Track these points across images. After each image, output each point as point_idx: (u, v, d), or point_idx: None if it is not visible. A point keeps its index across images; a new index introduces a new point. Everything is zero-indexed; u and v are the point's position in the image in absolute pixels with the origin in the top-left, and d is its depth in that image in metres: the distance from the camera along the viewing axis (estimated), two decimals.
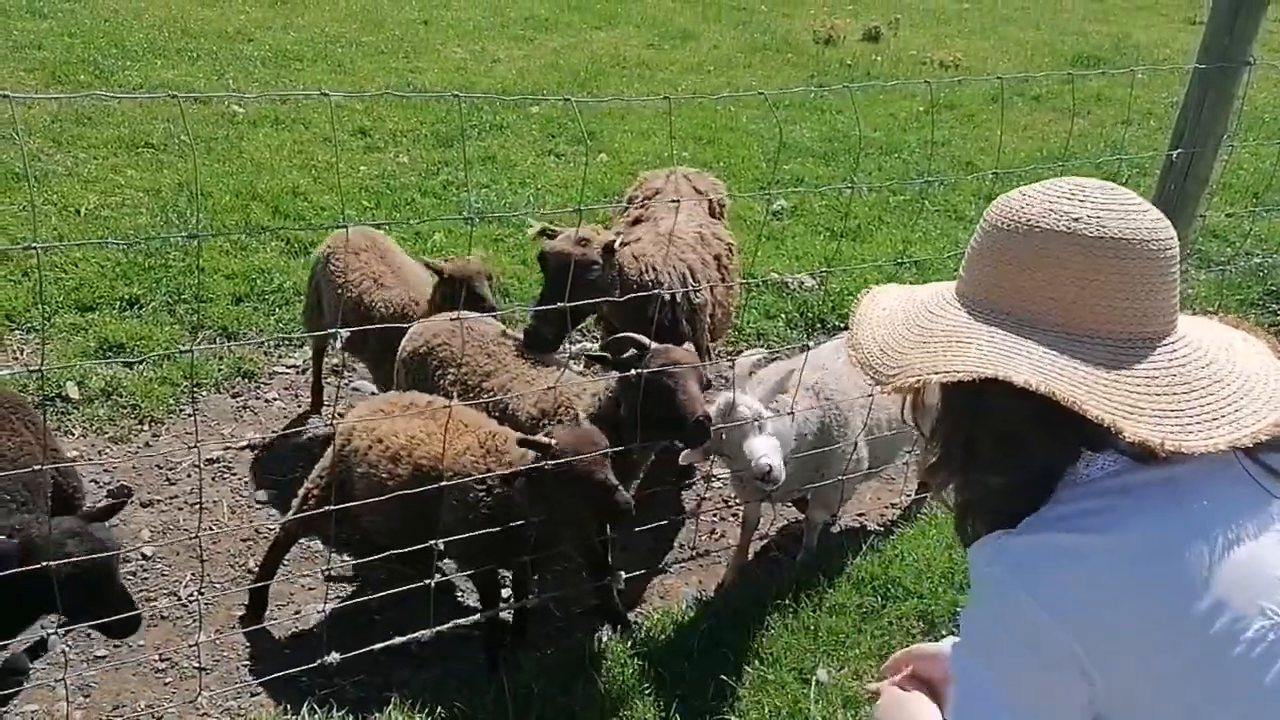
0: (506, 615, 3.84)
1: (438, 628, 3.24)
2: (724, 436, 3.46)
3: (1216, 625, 1.32)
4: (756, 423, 3.43)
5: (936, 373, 1.43)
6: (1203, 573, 1.33)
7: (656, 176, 5.21)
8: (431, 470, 3.36)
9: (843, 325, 6.00)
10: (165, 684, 3.54)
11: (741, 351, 5.82)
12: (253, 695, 3.54)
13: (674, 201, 4.37)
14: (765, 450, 3.36)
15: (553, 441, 3.15)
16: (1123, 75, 11.58)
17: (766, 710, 3.30)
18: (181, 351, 5.08)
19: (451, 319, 4.05)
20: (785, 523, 4.68)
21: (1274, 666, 1.31)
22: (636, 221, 4.81)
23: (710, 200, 5.04)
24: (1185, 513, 1.36)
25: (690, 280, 4.40)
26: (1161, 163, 3.80)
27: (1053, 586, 1.36)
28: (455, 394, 3.80)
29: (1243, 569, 1.33)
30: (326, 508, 3.20)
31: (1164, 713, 1.38)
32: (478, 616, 3.56)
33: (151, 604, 3.89)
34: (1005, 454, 1.47)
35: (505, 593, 3.91)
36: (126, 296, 5.91)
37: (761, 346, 6.02)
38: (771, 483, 3.33)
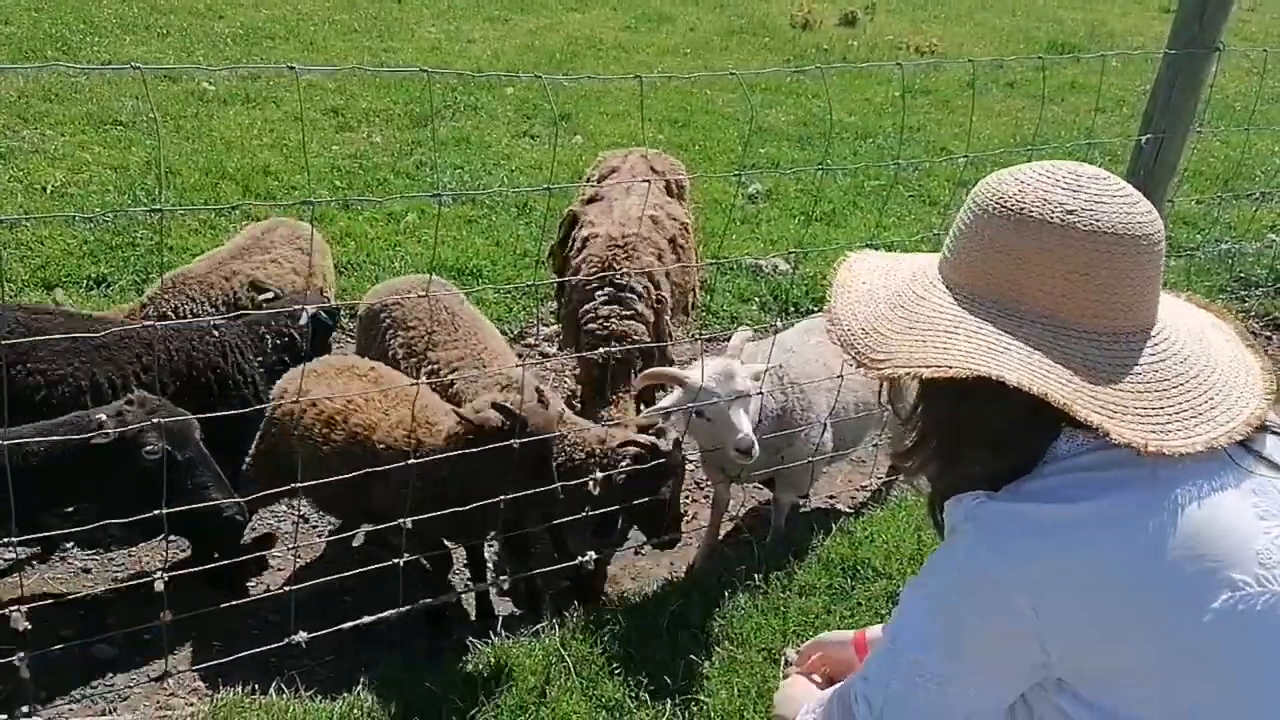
0: (469, 596, 3.84)
1: (406, 607, 3.22)
2: (713, 406, 3.46)
3: (1182, 596, 1.32)
4: (739, 398, 3.45)
5: (926, 367, 1.40)
6: (1170, 545, 1.33)
7: (614, 156, 5.19)
8: (365, 439, 3.37)
9: (815, 308, 6.02)
10: (133, 662, 3.51)
11: (714, 339, 5.83)
12: (220, 675, 3.51)
13: (643, 182, 4.39)
14: (747, 425, 3.41)
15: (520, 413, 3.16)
16: (1095, 62, 11.66)
17: (735, 690, 3.31)
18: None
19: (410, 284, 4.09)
20: (755, 504, 4.70)
21: (1244, 636, 1.32)
22: (591, 200, 4.80)
23: (668, 180, 5.01)
24: (1157, 487, 1.36)
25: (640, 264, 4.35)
26: (1132, 148, 3.83)
27: (1020, 555, 1.37)
28: (399, 356, 3.80)
29: (1213, 542, 1.33)
30: (277, 489, 3.20)
31: (1132, 684, 1.39)
32: (447, 597, 3.55)
33: (117, 583, 3.86)
34: (987, 446, 1.46)
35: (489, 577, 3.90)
36: (93, 275, 5.85)
37: (736, 329, 6.03)
38: (748, 457, 3.39)
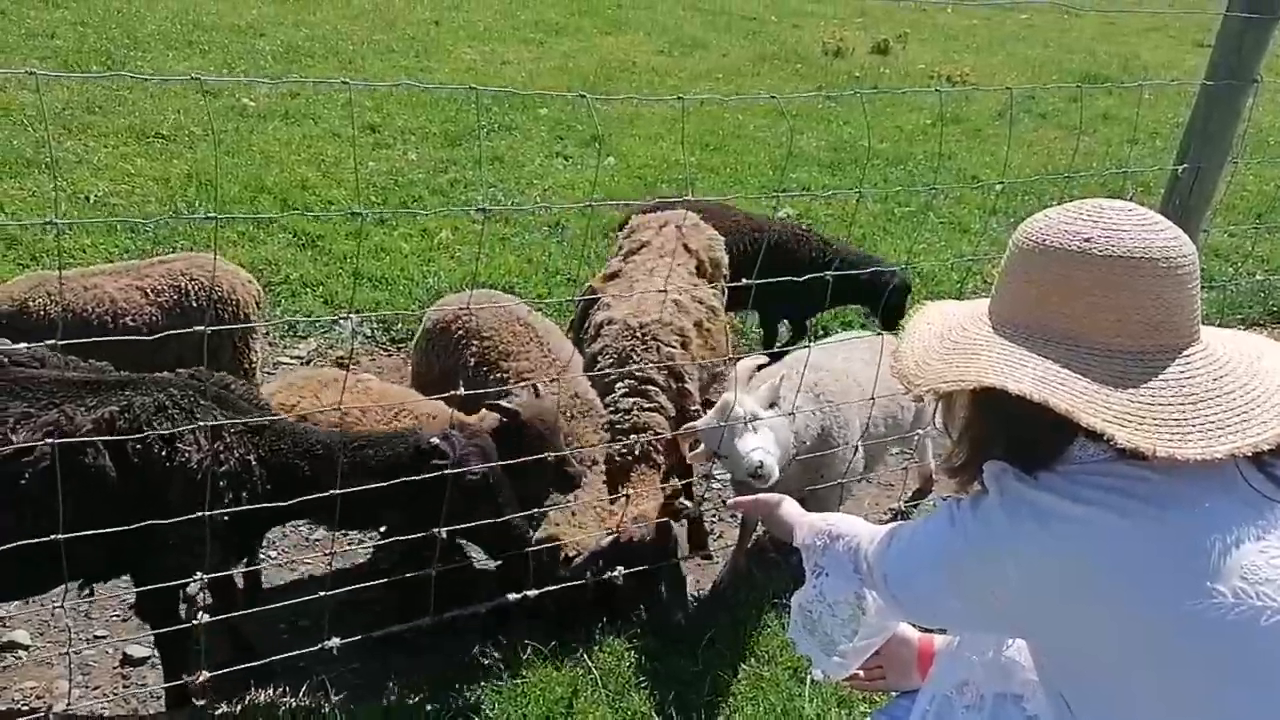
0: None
1: (437, 616, 3.26)
2: (721, 438, 3.48)
3: (1155, 600, 1.41)
4: (750, 423, 3.45)
5: (945, 381, 1.57)
6: (1157, 555, 1.42)
7: (647, 227, 4.87)
8: None
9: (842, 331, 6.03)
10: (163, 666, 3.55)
11: (744, 356, 5.85)
12: (252, 677, 3.55)
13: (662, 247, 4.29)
14: (755, 445, 3.39)
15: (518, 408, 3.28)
16: (1129, 94, 11.65)
17: (762, 707, 3.33)
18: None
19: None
20: None
21: (1206, 644, 1.39)
22: (613, 276, 4.61)
23: (701, 259, 4.78)
24: (1161, 500, 1.45)
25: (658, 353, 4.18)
26: (1166, 179, 3.84)
27: (1021, 532, 1.51)
28: (471, 365, 3.85)
29: (1201, 554, 1.40)
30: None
31: (1087, 674, 1.54)
32: (479, 607, 3.58)
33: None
34: (1014, 451, 1.58)
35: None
36: None
37: (764, 350, 6.05)
38: (762, 479, 3.35)
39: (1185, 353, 1.48)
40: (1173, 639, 1.40)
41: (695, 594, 4.17)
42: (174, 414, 2.86)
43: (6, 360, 2.87)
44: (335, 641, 3.19)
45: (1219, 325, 1.75)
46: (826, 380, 3.87)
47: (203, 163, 7.81)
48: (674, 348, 4.17)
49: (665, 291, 3.96)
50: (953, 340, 1.65)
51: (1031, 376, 1.47)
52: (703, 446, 3.61)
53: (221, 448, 2.93)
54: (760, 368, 3.86)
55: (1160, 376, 1.45)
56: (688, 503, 3.87)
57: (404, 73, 11.39)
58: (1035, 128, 11.41)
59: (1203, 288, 1.54)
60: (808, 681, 3.46)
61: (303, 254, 6.63)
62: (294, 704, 3.28)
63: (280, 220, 6.90)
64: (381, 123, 9.56)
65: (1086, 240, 1.49)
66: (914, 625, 2.17)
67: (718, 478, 4.84)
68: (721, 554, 4.42)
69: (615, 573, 3.54)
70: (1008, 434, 1.58)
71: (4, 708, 3.33)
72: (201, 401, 2.95)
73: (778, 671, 3.52)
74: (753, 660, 3.56)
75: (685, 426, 3.84)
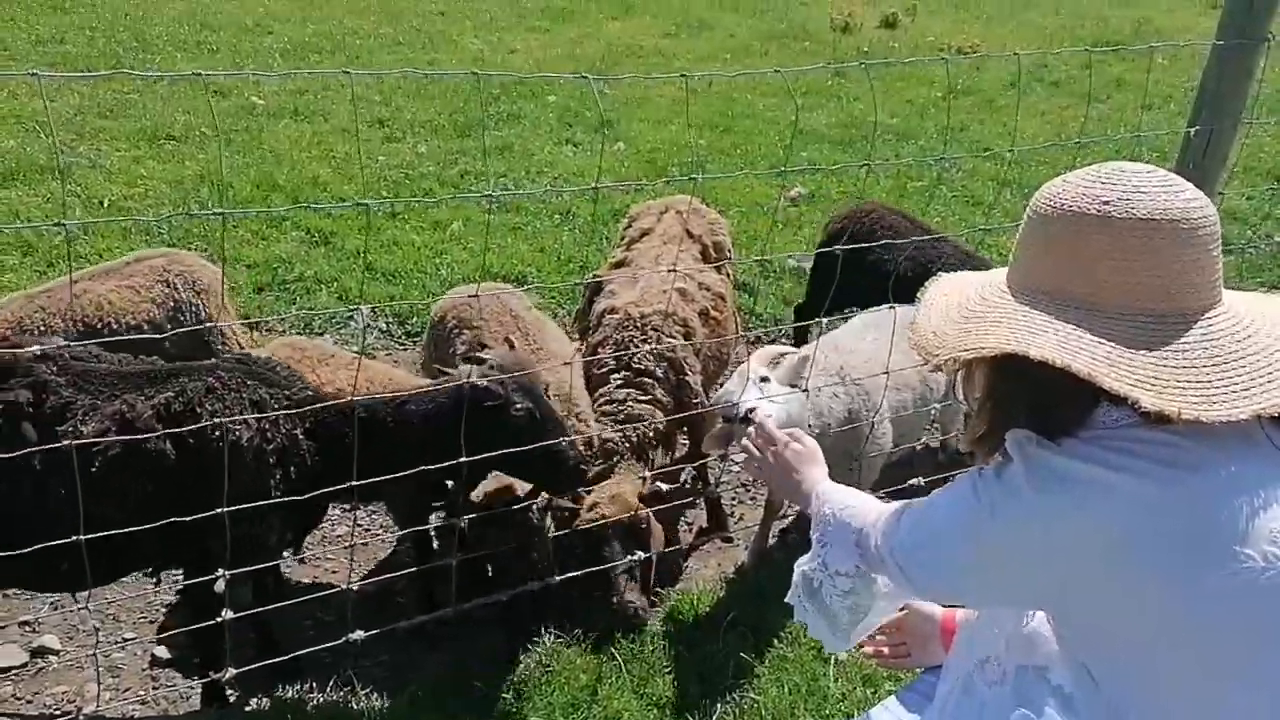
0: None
1: (459, 607, 3.27)
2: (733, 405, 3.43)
3: (1184, 566, 1.40)
4: (758, 384, 3.41)
5: (965, 349, 1.54)
6: (1184, 520, 1.41)
7: (648, 213, 4.83)
8: None
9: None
10: (194, 663, 3.59)
11: (760, 339, 5.84)
12: (278, 674, 3.58)
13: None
14: (738, 390, 3.35)
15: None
16: (1141, 60, 11.52)
17: (786, 687, 3.33)
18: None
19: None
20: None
21: (1237, 609, 1.39)
22: (619, 265, 4.57)
23: (705, 244, 4.71)
24: (1190, 465, 1.43)
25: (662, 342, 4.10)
26: (1180, 142, 3.80)
27: (1047, 500, 1.49)
28: (460, 355, 3.85)
29: (1229, 521, 1.39)
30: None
31: (1111, 647, 1.54)
32: (500, 596, 3.60)
33: (175, 584, 3.94)
34: (1037, 418, 1.55)
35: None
36: None
37: (779, 332, 6.03)
38: (745, 422, 3.26)
39: (1207, 315, 1.46)
40: (1202, 605, 1.39)
41: (717, 577, 4.17)
42: (224, 395, 2.94)
43: (68, 355, 2.97)
44: (359, 635, 3.21)
45: (1238, 289, 1.72)
46: (854, 361, 3.83)
47: (214, 163, 7.84)
48: (675, 339, 4.12)
49: (673, 270, 3.94)
50: (970, 309, 1.62)
51: (1053, 342, 1.45)
52: (719, 424, 3.58)
53: (269, 425, 2.98)
54: (782, 355, 3.83)
55: (1183, 339, 1.44)
56: (664, 485, 3.81)
57: (411, 65, 11.39)
58: (1047, 96, 11.30)
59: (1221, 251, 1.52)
60: (831, 662, 3.46)
61: (315, 251, 6.65)
62: (321, 699, 3.30)
63: (291, 217, 6.93)
64: (390, 117, 9.57)
65: (1105, 204, 1.47)
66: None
67: (735, 460, 4.83)
68: (742, 536, 4.43)
69: (634, 556, 3.55)
70: (1030, 401, 1.55)
71: (36, 713, 3.38)
72: (248, 382, 3.01)
73: (801, 652, 3.52)
74: (776, 642, 3.55)
75: (716, 395, 3.75)
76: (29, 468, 2.67)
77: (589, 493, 3.68)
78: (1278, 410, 1.40)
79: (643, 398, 4.01)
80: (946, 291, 1.74)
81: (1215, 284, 1.50)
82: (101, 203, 7.12)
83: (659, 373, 4.05)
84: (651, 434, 3.97)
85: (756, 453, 2.29)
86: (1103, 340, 1.44)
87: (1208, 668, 1.43)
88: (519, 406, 3.11)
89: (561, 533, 3.66)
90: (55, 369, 2.88)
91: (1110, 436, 1.49)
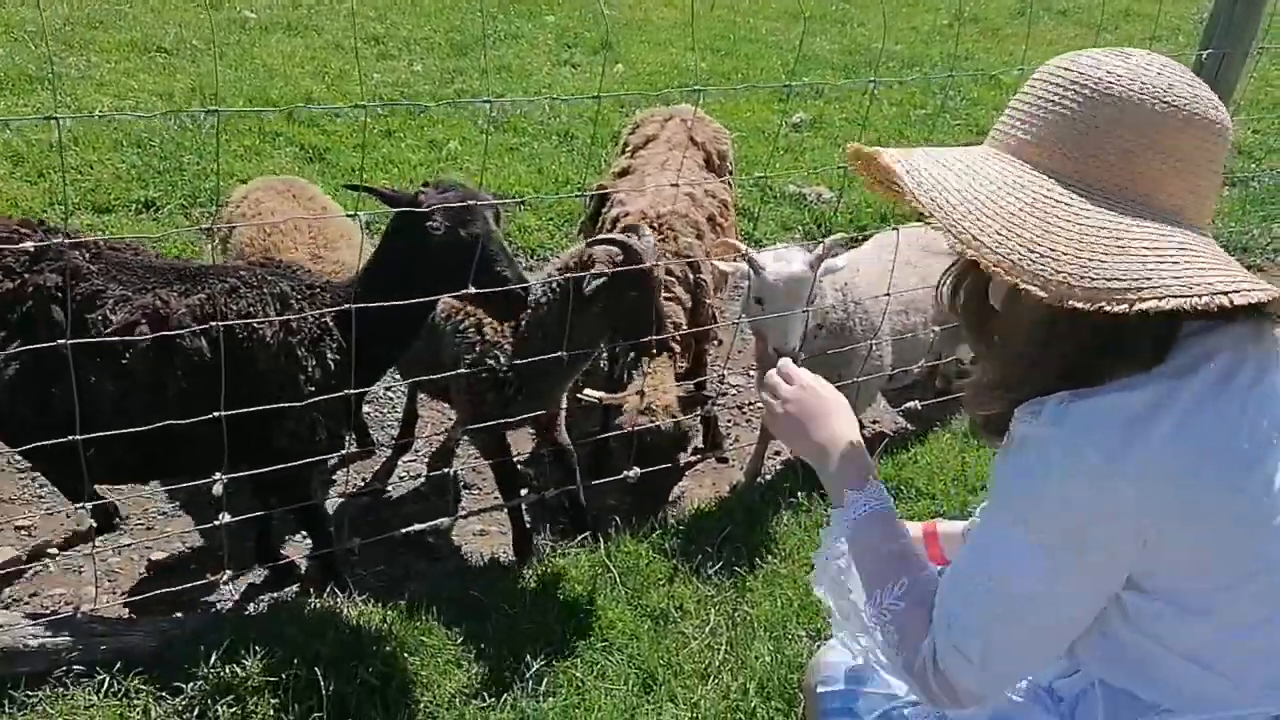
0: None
1: (455, 516, 3.28)
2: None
3: (1261, 467, 1.34)
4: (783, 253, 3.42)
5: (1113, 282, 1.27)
6: (1255, 422, 1.34)
7: (652, 120, 4.75)
8: None
9: (862, 237, 5.96)
10: (190, 569, 3.61)
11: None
12: (276, 578, 3.61)
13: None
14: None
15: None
16: None
17: (779, 601, 3.35)
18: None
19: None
20: None
21: None
22: (624, 173, 4.51)
23: (709, 151, 4.65)
24: (1247, 372, 1.36)
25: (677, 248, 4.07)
26: (1190, 66, 3.74)
27: (1121, 446, 1.31)
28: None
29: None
30: None
31: (1192, 573, 1.40)
32: (497, 507, 3.61)
33: (173, 497, 3.96)
34: (1069, 377, 1.39)
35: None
36: (142, 199, 5.91)
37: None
38: (780, 281, 3.34)
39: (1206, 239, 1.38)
40: (1269, 518, 1.34)
41: (713, 496, 4.19)
42: (246, 294, 2.93)
43: (103, 246, 2.99)
44: (356, 542, 3.23)
45: (1240, 221, 1.66)
46: (859, 282, 3.78)
47: (205, 77, 7.69)
48: (690, 239, 4.11)
49: (677, 185, 3.88)
50: (1018, 201, 1.34)
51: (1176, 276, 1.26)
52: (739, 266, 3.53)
53: (295, 319, 2.97)
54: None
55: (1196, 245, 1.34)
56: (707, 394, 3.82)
57: None
58: (1055, 25, 11.12)
59: (1226, 184, 1.46)
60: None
61: (310, 167, 6.55)
62: (318, 605, 3.33)
63: (285, 133, 6.82)
64: (385, 33, 9.38)
65: (1170, 102, 1.32)
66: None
67: (731, 382, 4.83)
68: (737, 458, 4.44)
69: (631, 472, 3.55)
70: (1085, 344, 1.36)
71: (34, 612, 3.40)
72: (268, 278, 3.00)
73: (794, 568, 3.54)
74: (770, 557, 3.58)
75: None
76: (58, 354, 2.65)
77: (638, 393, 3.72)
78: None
79: (665, 295, 3.98)
80: (947, 164, 1.45)
81: (1211, 210, 1.43)
82: (92, 113, 6.98)
83: (678, 271, 4.03)
84: (675, 336, 3.96)
85: (775, 402, 1.83)
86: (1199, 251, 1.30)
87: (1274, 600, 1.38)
88: (434, 226, 2.81)
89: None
90: (88, 256, 2.90)
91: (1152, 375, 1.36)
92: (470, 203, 2.78)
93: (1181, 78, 1.35)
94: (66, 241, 2.87)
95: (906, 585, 1.56)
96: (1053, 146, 1.36)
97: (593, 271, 3.17)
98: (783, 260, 3.37)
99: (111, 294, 2.84)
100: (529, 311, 3.26)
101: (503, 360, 3.33)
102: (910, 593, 1.55)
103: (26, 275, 2.81)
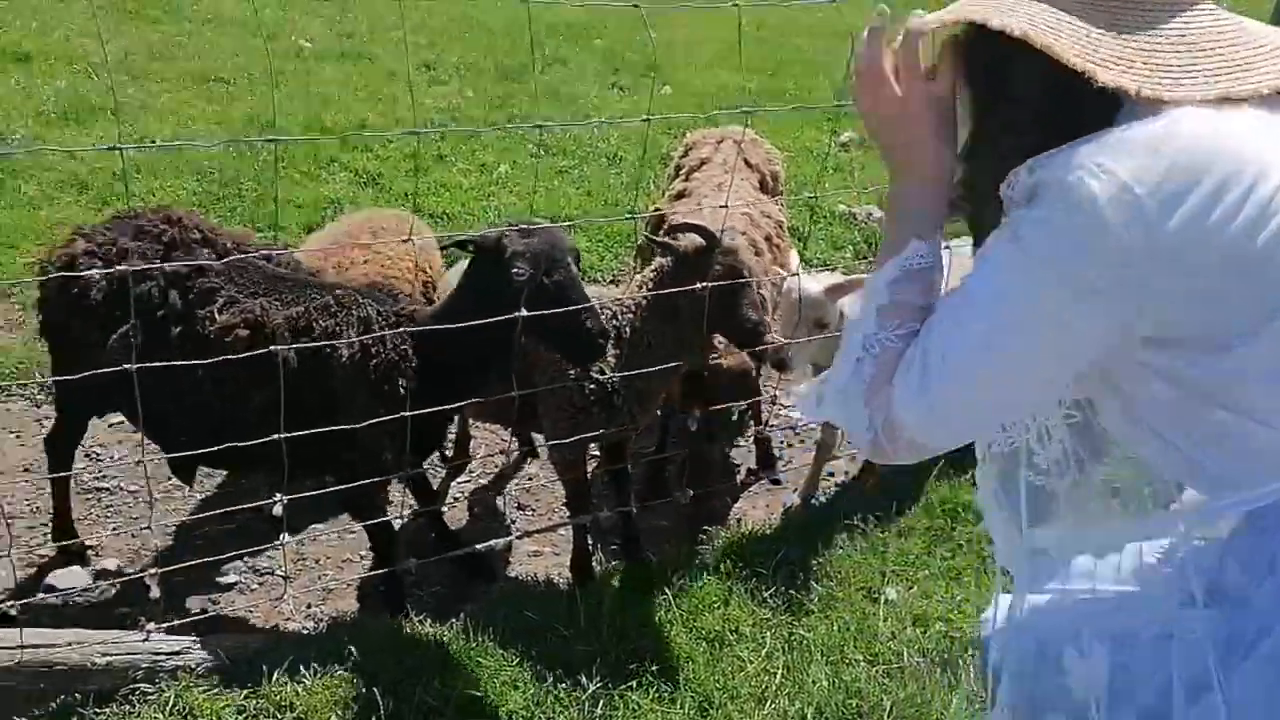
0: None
1: (512, 538, 3.30)
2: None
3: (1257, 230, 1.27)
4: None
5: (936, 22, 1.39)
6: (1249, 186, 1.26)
7: (705, 143, 4.74)
8: None
9: None
10: (253, 589, 3.67)
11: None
12: (333, 599, 3.65)
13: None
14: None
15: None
16: None
17: (835, 625, 3.33)
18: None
19: None
20: (854, 450, 4.68)
21: None
22: (680, 196, 4.49)
23: (763, 174, 4.65)
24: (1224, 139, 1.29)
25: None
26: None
27: (1140, 166, 1.26)
28: None
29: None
30: None
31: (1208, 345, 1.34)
32: (553, 527, 3.63)
33: (237, 517, 4.02)
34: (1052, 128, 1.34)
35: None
36: None
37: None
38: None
39: (1192, 9, 1.35)
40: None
41: (766, 518, 4.17)
42: (337, 313, 3.04)
43: (229, 243, 3.17)
44: (413, 562, 3.26)
45: None
46: None
47: (262, 104, 7.85)
48: (751, 258, 4.12)
49: (726, 207, 3.87)
50: None
51: (1024, 17, 1.31)
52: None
53: (373, 341, 3.04)
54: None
55: (1159, 27, 1.33)
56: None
57: (455, 3, 11.31)
58: None
59: None
60: (881, 601, 3.46)
61: (364, 192, 6.66)
62: (377, 625, 3.35)
63: (340, 159, 6.94)
64: (436, 60, 9.52)
65: None
66: None
67: (783, 404, 4.81)
68: (791, 479, 4.42)
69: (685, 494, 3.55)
70: (1040, 109, 1.35)
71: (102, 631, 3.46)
72: (360, 299, 3.10)
73: (851, 592, 3.52)
74: (825, 580, 3.56)
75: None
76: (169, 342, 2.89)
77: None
78: (1250, 94, 1.30)
79: None
80: None
81: None
82: (153, 142, 7.16)
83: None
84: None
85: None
86: (1082, 19, 1.31)
87: None
88: (518, 272, 2.94)
89: None
90: (215, 255, 3.07)
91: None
92: (553, 246, 2.95)
93: None
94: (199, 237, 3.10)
95: (911, 329, 1.48)
96: None
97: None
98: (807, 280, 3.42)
99: (224, 294, 3.00)
100: (629, 318, 3.38)
101: (608, 373, 3.36)
102: (908, 338, 1.47)
103: (157, 261, 2.97)
